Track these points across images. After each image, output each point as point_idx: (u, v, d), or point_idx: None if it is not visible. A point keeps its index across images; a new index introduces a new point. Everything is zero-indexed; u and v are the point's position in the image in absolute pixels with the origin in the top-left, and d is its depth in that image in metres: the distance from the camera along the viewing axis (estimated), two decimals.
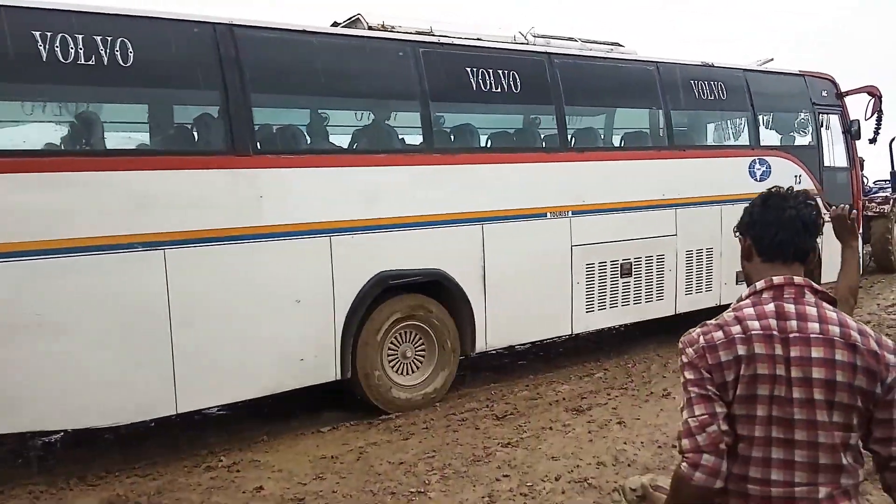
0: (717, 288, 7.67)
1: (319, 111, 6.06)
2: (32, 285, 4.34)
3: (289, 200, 5.19)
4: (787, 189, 1.80)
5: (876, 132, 8.91)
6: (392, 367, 5.87)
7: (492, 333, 6.20)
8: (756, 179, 7.96)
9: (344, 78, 5.77)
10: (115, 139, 5.35)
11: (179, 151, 5.14)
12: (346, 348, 5.47)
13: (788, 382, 1.57)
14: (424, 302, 5.93)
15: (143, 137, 5.43)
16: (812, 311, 1.63)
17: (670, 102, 7.37)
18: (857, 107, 9.10)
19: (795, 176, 8.32)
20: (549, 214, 6.49)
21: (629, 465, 4.42)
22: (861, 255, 10.11)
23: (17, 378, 4.31)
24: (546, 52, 6.61)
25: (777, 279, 1.69)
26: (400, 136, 6.16)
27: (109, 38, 4.54)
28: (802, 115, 8.72)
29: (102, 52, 4.52)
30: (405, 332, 5.94)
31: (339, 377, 5.47)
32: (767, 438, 1.59)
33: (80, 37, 4.45)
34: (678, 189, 7.31)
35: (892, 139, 11.07)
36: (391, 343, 5.85)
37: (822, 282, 7.86)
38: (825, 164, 8.74)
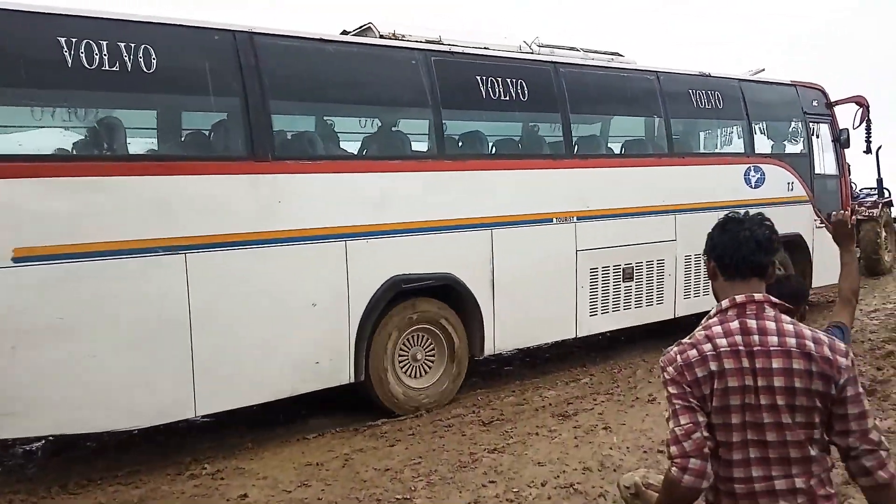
0: None
1: (336, 118, 6.15)
2: (54, 289, 4.37)
3: (306, 205, 5.27)
4: (743, 213, 2.01)
5: (867, 141, 9.18)
6: (403, 370, 5.95)
7: (500, 337, 6.31)
8: (751, 186, 8.19)
9: (360, 86, 5.86)
10: (136, 144, 5.38)
11: (200, 157, 5.20)
12: (359, 352, 5.54)
13: (756, 391, 1.78)
14: (435, 306, 6.03)
15: (164, 143, 5.48)
16: (771, 325, 1.83)
17: (670, 111, 7.56)
18: (846, 116, 9.42)
19: (788, 183, 8.57)
20: (554, 220, 6.62)
21: (615, 471, 4.42)
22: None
23: (39, 381, 4.33)
24: (552, 62, 6.76)
25: (739, 298, 1.88)
26: (412, 143, 6.26)
27: (133, 45, 4.60)
28: (794, 123, 8.98)
29: (126, 59, 4.57)
30: (416, 336, 6.03)
31: (352, 380, 5.54)
32: (744, 441, 1.80)
33: (105, 43, 4.50)
34: (677, 195, 7.48)
35: (879, 147, 11.38)
36: (402, 346, 5.94)
37: (823, 284, 8.10)
38: (816, 172, 9.00)
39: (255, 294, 5.04)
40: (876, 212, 11.97)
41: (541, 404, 5.97)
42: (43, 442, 5.49)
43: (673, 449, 1.78)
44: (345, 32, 6.32)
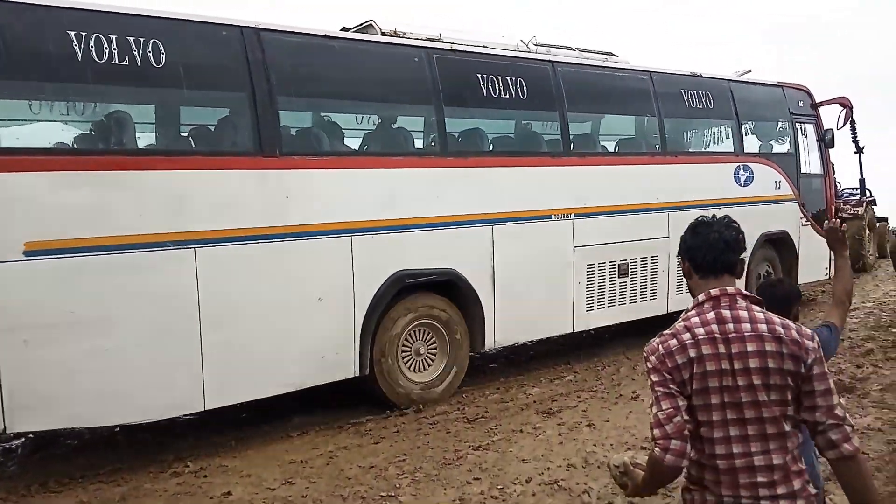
0: None
1: (341, 114, 6.19)
2: (65, 283, 4.37)
3: (313, 201, 5.31)
4: (712, 216, 2.19)
5: (854, 141, 9.42)
6: (406, 364, 6.01)
7: (500, 331, 6.40)
8: (740, 185, 8.37)
9: (365, 82, 5.92)
10: (146, 139, 5.38)
11: (209, 152, 5.21)
12: (364, 345, 5.60)
13: (733, 374, 1.94)
14: (437, 301, 6.10)
15: (173, 137, 5.48)
16: (744, 314, 2.00)
17: (663, 110, 7.71)
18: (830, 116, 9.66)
19: (776, 182, 8.78)
20: (553, 216, 6.73)
21: (599, 467, 4.43)
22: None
23: (52, 375, 4.33)
24: (550, 61, 6.88)
25: (714, 291, 2.05)
26: (416, 140, 6.33)
27: (142, 40, 4.61)
28: (781, 123, 9.20)
29: (136, 54, 4.58)
30: (418, 330, 6.09)
31: (357, 374, 5.59)
32: (724, 420, 1.95)
33: (114, 37, 4.51)
34: (670, 193, 7.63)
35: (863, 147, 11.66)
36: (405, 341, 6.00)
37: (808, 280, 8.28)
38: (802, 171, 9.23)
39: (263, 288, 5.07)
40: (861, 210, 12.27)
41: (525, 402, 6.01)
42: (23, 440, 5.43)
43: (656, 431, 1.92)
44: (345, 29, 6.36)
